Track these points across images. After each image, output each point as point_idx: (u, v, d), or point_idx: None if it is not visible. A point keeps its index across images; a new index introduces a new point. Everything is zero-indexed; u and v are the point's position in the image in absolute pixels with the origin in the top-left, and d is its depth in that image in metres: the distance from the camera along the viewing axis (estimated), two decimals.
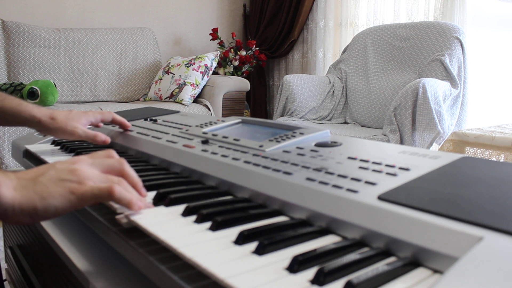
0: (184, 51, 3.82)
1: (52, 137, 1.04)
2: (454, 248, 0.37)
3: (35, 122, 0.85)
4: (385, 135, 2.22)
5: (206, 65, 3.14)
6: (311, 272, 0.37)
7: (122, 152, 0.90)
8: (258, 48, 3.75)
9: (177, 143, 0.80)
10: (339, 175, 0.54)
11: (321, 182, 0.52)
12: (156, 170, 0.75)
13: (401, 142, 2.17)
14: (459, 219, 0.40)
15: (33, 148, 0.95)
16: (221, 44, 3.74)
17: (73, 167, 0.52)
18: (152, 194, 0.58)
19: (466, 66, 2.45)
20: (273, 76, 4.05)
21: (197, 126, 0.91)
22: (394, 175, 0.53)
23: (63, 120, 0.86)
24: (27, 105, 0.86)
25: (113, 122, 0.96)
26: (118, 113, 1.28)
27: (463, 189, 0.47)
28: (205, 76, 3.13)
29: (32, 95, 2.51)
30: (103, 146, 0.96)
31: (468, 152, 1.70)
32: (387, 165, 0.56)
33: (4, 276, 1.16)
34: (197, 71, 3.10)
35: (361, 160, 0.60)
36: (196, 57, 3.19)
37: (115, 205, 0.53)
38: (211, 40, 3.77)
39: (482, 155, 1.65)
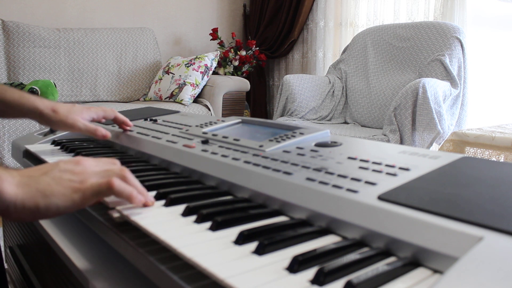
0: (184, 51, 3.82)
1: (52, 137, 1.04)
2: (454, 248, 0.37)
3: (37, 113, 0.85)
4: (385, 135, 2.22)
5: (206, 65, 3.14)
6: (311, 272, 0.37)
7: (122, 152, 0.90)
8: (258, 48, 3.75)
9: (177, 143, 0.80)
10: (339, 175, 0.54)
11: (321, 182, 0.52)
12: (156, 170, 0.75)
13: (401, 142, 2.17)
14: (459, 219, 0.40)
15: (33, 148, 0.95)
16: (221, 44, 3.74)
17: (76, 167, 0.53)
18: (152, 194, 0.58)
19: (466, 66, 2.45)
20: (273, 76, 4.05)
21: (197, 126, 0.91)
22: (394, 175, 0.53)
23: (65, 113, 0.86)
24: (29, 97, 0.86)
25: (115, 120, 0.96)
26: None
27: (463, 189, 0.47)
28: (205, 76, 3.13)
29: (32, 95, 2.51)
30: (103, 146, 0.96)
31: (468, 152, 1.70)
32: (387, 165, 0.56)
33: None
34: (197, 71, 3.10)
35: (361, 160, 0.60)
36: (196, 57, 3.19)
37: (108, 200, 0.53)
38: (211, 40, 3.77)
39: (482, 155, 1.65)
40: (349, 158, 0.61)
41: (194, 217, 0.50)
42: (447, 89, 2.28)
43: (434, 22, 2.59)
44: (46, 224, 0.70)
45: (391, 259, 0.40)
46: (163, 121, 1.06)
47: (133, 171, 0.68)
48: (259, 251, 0.41)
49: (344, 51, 3.04)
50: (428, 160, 0.58)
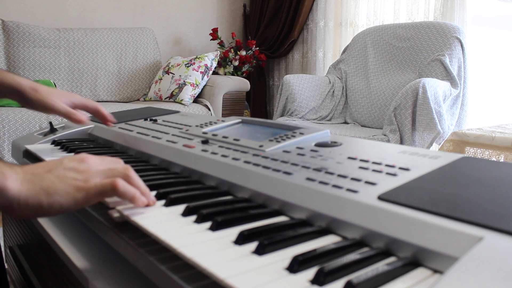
0: (184, 51, 3.82)
1: (52, 137, 1.04)
2: (454, 248, 0.37)
3: (17, 90, 0.84)
4: (385, 135, 2.22)
5: (206, 65, 3.14)
6: (311, 272, 0.37)
7: (122, 152, 0.90)
8: (258, 48, 3.75)
9: (177, 143, 0.80)
10: (339, 175, 0.54)
11: (321, 182, 0.52)
12: (156, 170, 0.75)
13: (401, 142, 2.17)
14: (459, 219, 0.40)
15: (33, 148, 0.95)
16: (221, 44, 3.74)
17: (80, 165, 0.53)
18: (152, 194, 0.58)
19: (466, 66, 2.45)
20: (273, 76, 4.05)
21: (197, 126, 0.91)
22: (394, 175, 0.53)
23: (45, 93, 0.85)
24: (13, 75, 0.85)
25: (96, 113, 0.94)
26: (118, 113, 1.28)
27: (463, 189, 0.47)
28: (205, 76, 3.13)
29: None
30: (103, 147, 0.96)
31: (468, 152, 1.70)
32: (387, 165, 0.56)
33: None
34: (197, 71, 3.10)
35: (361, 160, 0.60)
36: (196, 57, 3.19)
37: (108, 199, 0.53)
38: (211, 40, 3.77)
39: (482, 155, 1.65)
40: (349, 158, 0.61)
41: (194, 217, 0.50)
42: (447, 89, 2.28)
43: (434, 22, 2.59)
44: (46, 224, 0.70)
45: (391, 259, 0.40)
46: (163, 121, 1.06)
47: None
48: (259, 251, 0.41)
49: (344, 51, 3.04)
50: (428, 160, 0.58)
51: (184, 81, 3.05)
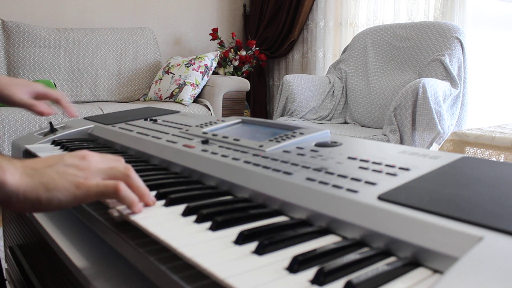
0: (184, 51, 3.82)
1: (52, 137, 1.04)
2: (454, 248, 0.37)
3: None
4: (385, 135, 2.22)
5: (206, 65, 3.14)
6: (311, 272, 0.37)
7: (122, 152, 0.90)
8: (258, 48, 3.75)
9: (177, 143, 0.80)
10: (339, 175, 0.54)
11: (321, 182, 0.52)
12: (156, 170, 0.75)
13: (401, 142, 2.17)
14: (459, 219, 0.40)
15: (33, 148, 0.95)
16: (221, 44, 3.74)
17: (81, 162, 0.53)
18: (152, 194, 0.58)
19: (466, 66, 2.45)
20: (273, 76, 4.05)
21: (197, 126, 0.91)
22: (394, 175, 0.53)
23: (4, 84, 0.84)
24: None
25: (59, 102, 0.92)
26: (118, 113, 1.28)
27: (463, 189, 0.47)
28: (205, 76, 3.13)
29: None
30: (103, 147, 0.96)
31: (468, 152, 1.70)
32: (387, 165, 0.56)
33: (4, 276, 1.16)
34: (197, 71, 3.10)
35: (361, 160, 0.60)
36: (196, 57, 3.19)
37: (108, 200, 0.53)
38: (211, 40, 3.77)
39: (482, 155, 1.65)
40: (349, 158, 0.61)
41: (194, 217, 0.50)
42: (447, 89, 2.28)
43: (434, 22, 2.59)
44: (46, 224, 0.70)
45: (391, 259, 0.40)
46: (163, 121, 1.06)
47: None
48: (259, 251, 0.41)
49: (344, 51, 3.04)
50: (428, 160, 0.58)
51: (184, 81, 3.05)
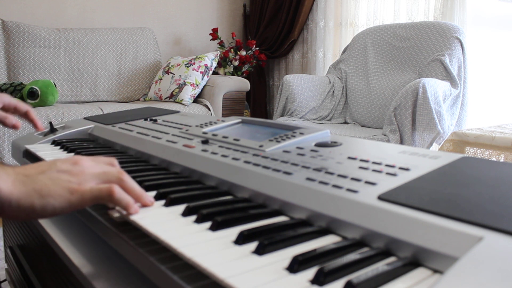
0: (184, 51, 3.82)
1: (52, 137, 1.04)
2: (454, 248, 0.37)
3: None
4: (385, 135, 2.22)
5: (206, 65, 3.14)
6: (311, 272, 0.37)
7: (122, 152, 0.90)
8: (258, 48, 3.75)
9: (177, 143, 0.80)
10: (339, 175, 0.54)
11: (321, 182, 0.52)
12: (156, 170, 0.75)
13: (401, 142, 2.17)
14: (459, 219, 0.40)
15: (33, 148, 0.95)
16: (221, 44, 3.74)
17: (74, 167, 0.52)
18: (152, 194, 0.58)
19: (466, 66, 2.45)
20: (273, 76, 4.05)
21: (197, 126, 0.91)
22: (394, 175, 0.53)
23: None
24: None
25: (26, 116, 0.92)
26: (118, 113, 1.28)
27: (463, 189, 0.47)
28: (205, 76, 3.13)
29: (32, 95, 2.51)
30: (103, 147, 0.96)
31: (468, 152, 1.70)
32: (387, 165, 0.56)
33: (4, 276, 1.16)
34: (197, 71, 3.10)
35: (361, 160, 0.60)
36: (196, 57, 3.19)
37: None
38: (211, 40, 3.77)
39: (482, 155, 1.65)
40: (349, 158, 0.61)
41: (194, 217, 0.50)
42: (447, 89, 2.28)
43: (434, 22, 2.59)
44: (46, 224, 0.70)
45: (391, 259, 0.40)
46: (163, 121, 1.06)
47: (133, 171, 0.68)
48: (259, 251, 0.41)
49: (344, 51, 3.04)
50: (428, 160, 0.58)
51: (184, 81, 3.05)
